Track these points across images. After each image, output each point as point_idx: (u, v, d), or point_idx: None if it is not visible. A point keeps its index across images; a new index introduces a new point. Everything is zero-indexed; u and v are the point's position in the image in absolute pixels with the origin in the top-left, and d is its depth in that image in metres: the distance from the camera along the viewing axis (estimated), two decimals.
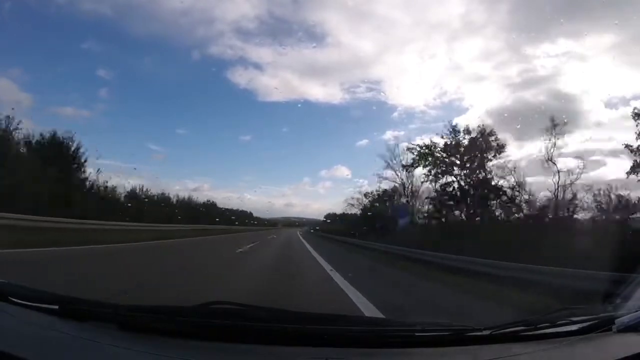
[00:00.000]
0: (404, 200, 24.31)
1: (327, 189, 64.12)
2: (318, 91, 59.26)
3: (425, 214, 23.42)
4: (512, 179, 19.10)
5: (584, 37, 23.68)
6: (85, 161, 20.06)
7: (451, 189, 21.11)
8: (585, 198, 16.00)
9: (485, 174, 20.19)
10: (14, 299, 1.39)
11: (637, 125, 16.17)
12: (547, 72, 32.11)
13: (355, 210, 32.37)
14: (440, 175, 21.83)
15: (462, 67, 43.38)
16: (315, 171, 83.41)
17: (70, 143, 19.35)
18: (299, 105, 48.53)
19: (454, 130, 21.69)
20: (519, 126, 24.72)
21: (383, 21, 39.34)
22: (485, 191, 19.52)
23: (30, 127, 17.63)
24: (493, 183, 19.88)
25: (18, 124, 17.12)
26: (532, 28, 30.46)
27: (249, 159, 62.18)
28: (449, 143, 21.69)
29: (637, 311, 1.33)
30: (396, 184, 24.79)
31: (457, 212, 21.41)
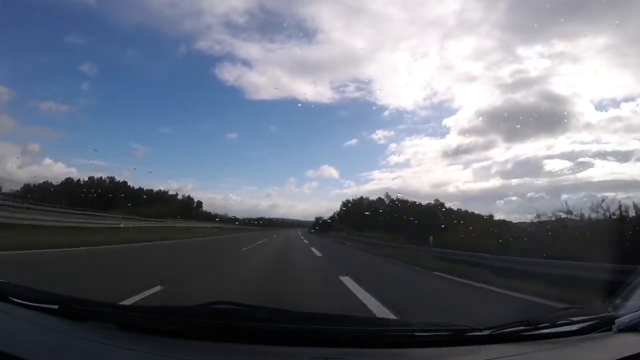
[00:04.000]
0: None
1: (313, 190, 63.70)
2: (307, 89, 59.03)
3: None
4: None
5: (579, 39, 23.71)
6: None
7: None
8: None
9: None
10: (14, 299, 1.39)
11: None
12: (539, 74, 32.19)
13: None
14: None
15: (454, 66, 43.42)
16: (301, 171, 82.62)
17: None
18: (288, 104, 48.16)
19: None
20: (518, 126, 24.66)
21: (376, 17, 39.15)
22: None
23: None
24: None
25: None
26: (528, 28, 30.48)
27: (234, 159, 61.32)
28: None
29: (637, 311, 1.33)
30: None
31: None
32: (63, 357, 1.10)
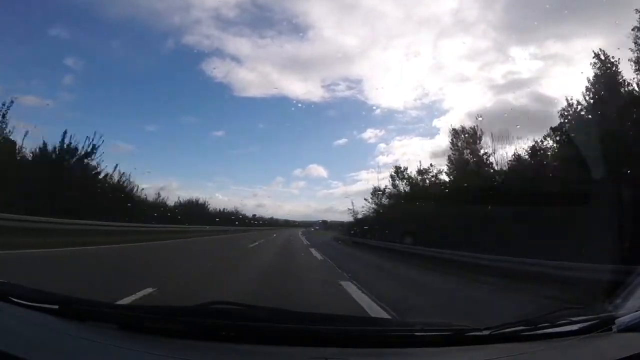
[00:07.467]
0: None
1: (301, 190, 62.70)
2: (297, 87, 56.61)
3: None
4: None
5: (574, 40, 23.46)
6: None
7: None
8: None
9: None
10: (14, 299, 1.39)
11: None
12: (532, 75, 31.92)
13: None
14: None
15: (446, 66, 42.54)
16: (289, 170, 78.30)
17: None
18: (277, 102, 46.75)
19: None
20: (518, 126, 24.29)
21: (369, 14, 38.14)
22: None
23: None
24: None
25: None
26: (524, 28, 30.12)
27: (220, 158, 59.30)
28: None
29: (637, 311, 1.33)
30: None
31: None
32: (63, 357, 1.09)
